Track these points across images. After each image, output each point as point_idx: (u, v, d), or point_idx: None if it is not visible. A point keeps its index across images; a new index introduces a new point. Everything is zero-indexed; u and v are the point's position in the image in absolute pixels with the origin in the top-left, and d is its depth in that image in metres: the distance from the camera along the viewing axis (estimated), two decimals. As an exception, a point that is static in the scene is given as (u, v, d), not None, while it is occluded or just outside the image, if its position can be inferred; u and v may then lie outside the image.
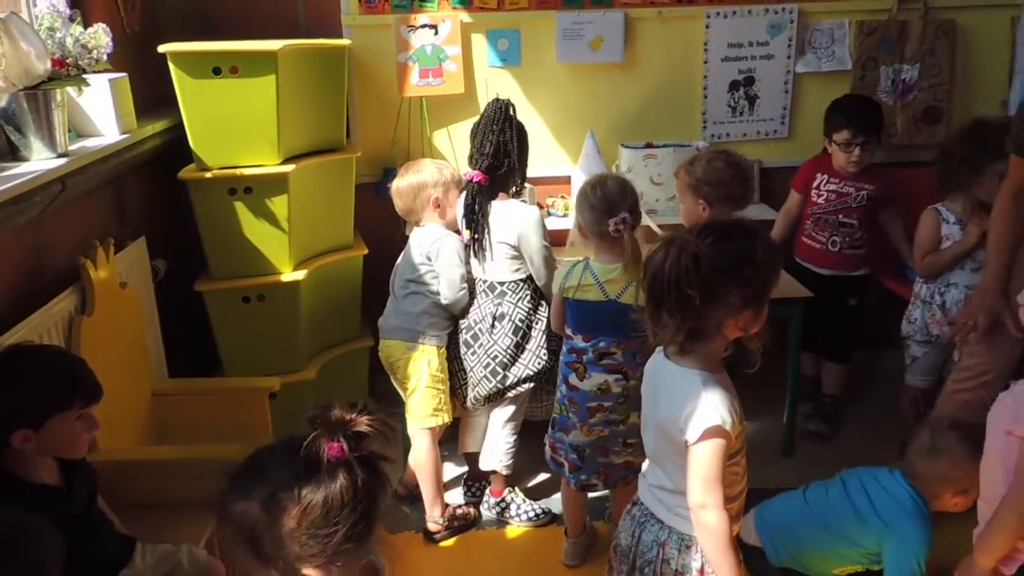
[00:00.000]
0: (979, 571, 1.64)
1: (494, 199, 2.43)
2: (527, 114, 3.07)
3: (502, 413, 2.52)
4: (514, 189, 2.49)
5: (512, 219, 2.40)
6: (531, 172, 2.58)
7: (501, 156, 2.40)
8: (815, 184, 2.97)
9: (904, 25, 3.13)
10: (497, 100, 2.44)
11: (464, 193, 2.48)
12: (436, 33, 3.01)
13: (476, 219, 2.42)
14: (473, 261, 2.49)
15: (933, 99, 3.20)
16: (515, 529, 2.55)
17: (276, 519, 1.09)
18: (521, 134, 2.45)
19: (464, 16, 3.02)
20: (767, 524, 2.04)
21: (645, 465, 1.70)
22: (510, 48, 3.07)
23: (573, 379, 2.19)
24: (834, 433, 3.00)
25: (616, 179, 2.18)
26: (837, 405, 3.08)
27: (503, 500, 2.58)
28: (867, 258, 3.00)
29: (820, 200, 2.97)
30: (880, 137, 2.95)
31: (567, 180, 3.15)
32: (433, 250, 2.47)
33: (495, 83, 3.07)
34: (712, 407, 1.45)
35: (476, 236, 2.43)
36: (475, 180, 2.42)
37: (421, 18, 2.99)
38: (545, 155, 3.15)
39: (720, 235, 1.48)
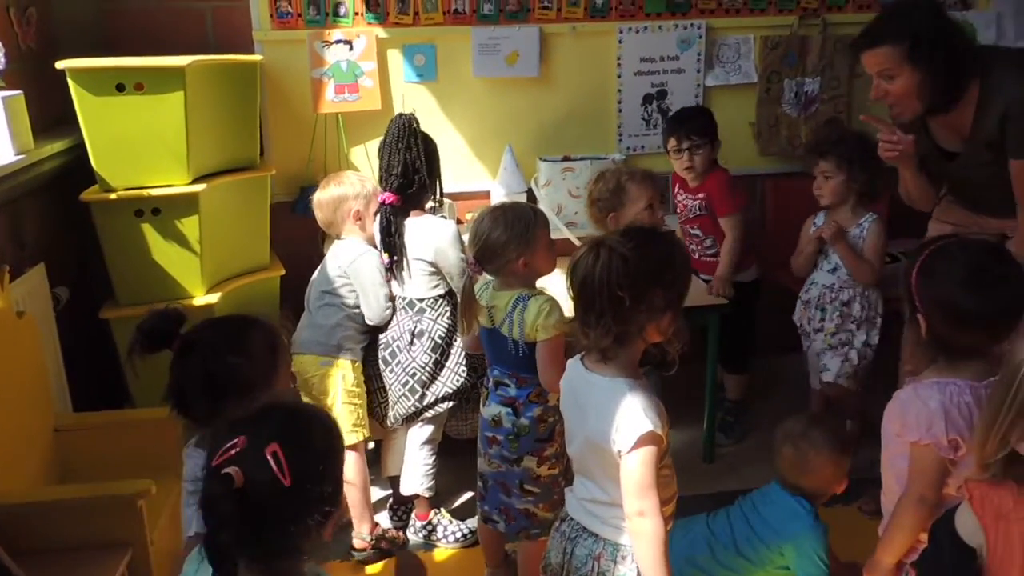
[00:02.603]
0: (883, 568, 1.69)
1: (407, 217, 2.40)
2: (445, 129, 3.06)
3: (419, 434, 2.48)
4: (430, 204, 2.46)
5: (428, 235, 2.37)
6: (450, 187, 2.56)
7: (410, 173, 2.35)
8: (674, 194, 3.04)
9: (805, 40, 3.27)
10: (400, 116, 2.39)
11: (378, 216, 2.42)
12: (351, 49, 2.96)
13: (392, 240, 2.38)
14: (393, 281, 2.45)
15: (833, 110, 3.34)
16: (443, 551, 2.51)
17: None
18: (428, 147, 2.41)
19: (380, 31, 2.99)
20: (675, 557, 1.98)
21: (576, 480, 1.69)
22: (426, 63, 3.05)
23: (482, 403, 2.17)
24: (728, 441, 3.00)
25: (489, 216, 2.06)
26: (739, 411, 3.09)
27: (429, 523, 2.53)
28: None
29: (678, 211, 3.04)
30: (710, 141, 2.83)
31: (486, 195, 3.14)
32: (352, 270, 2.43)
33: (412, 98, 3.05)
34: (642, 414, 1.46)
35: (395, 258, 2.39)
36: (387, 202, 2.36)
37: (335, 33, 2.95)
38: (464, 170, 3.15)
39: (642, 239, 1.52)
